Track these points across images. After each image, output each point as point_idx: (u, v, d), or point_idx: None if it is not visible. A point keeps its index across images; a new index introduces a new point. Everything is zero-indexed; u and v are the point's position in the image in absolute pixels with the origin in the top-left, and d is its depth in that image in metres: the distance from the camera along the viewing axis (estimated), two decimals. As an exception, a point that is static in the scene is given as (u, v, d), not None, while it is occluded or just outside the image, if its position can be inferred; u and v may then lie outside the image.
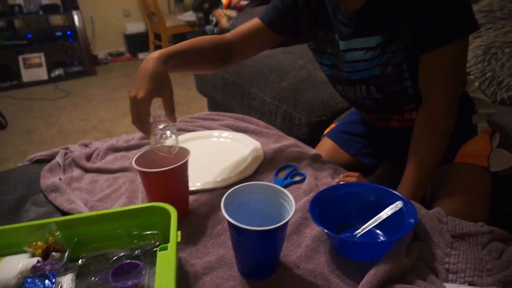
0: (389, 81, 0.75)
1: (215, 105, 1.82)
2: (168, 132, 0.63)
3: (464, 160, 0.75)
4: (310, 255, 0.56)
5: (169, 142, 0.63)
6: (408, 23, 0.67)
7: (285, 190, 0.53)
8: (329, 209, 0.60)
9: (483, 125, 0.81)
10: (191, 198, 0.70)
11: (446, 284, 0.49)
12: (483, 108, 0.83)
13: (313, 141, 1.14)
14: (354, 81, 0.80)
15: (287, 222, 0.48)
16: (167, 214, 0.52)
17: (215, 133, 0.95)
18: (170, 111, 0.62)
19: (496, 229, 0.58)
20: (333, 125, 1.09)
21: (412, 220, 0.53)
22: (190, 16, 3.47)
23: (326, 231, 0.53)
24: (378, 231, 0.60)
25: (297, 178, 0.76)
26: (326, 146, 1.02)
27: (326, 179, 0.76)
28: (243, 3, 2.43)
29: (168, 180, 0.59)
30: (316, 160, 0.83)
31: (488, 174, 0.74)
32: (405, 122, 0.85)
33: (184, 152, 0.62)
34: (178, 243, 0.48)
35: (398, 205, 0.57)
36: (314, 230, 0.61)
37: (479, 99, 0.84)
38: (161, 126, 0.62)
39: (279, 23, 0.82)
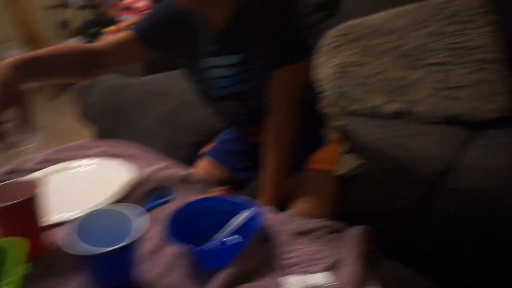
0: (252, 96, 0.83)
1: (101, 134, 1.77)
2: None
3: (313, 166, 0.84)
4: (170, 270, 0.59)
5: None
6: (262, 45, 0.76)
7: (139, 208, 0.55)
8: (188, 225, 0.63)
9: (334, 135, 0.92)
10: (52, 231, 0.67)
11: (284, 277, 0.56)
12: (335, 121, 0.95)
13: (195, 162, 1.17)
14: (222, 97, 0.86)
15: (130, 244, 0.50)
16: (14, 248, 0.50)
17: (85, 161, 0.93)
18: (25, 120, 0.59)
19: (334, 222, 0.67)
20: (209, 146, 1.14)
21: (257, 225, 0.59)
22: (76, 41, 3.31)
23: (176, 240, 0.56)
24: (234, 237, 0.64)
25: (167, 198, 0.78)
26: (205, 164, 1.06)
27: (196, 196, 0.79)
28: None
29: (13, 216, 0.57)
30: (188, 179, 0.86)
31: (334, 177, 0.84)
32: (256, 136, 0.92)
33: (32, 186, 0.60)
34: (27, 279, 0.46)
35: (249, 213, 0.63)
36: (175, 247, 0.63)
37: (331, 113, 0.96)
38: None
39: (153, 36, 0.83)
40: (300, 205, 0.78)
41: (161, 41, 0.84)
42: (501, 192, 0.73)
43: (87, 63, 0.80)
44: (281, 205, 0.80)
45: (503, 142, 0.96)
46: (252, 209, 0.63)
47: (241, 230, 0.62)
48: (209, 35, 0.78)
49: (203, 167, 1.05)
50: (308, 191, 0.80)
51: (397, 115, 1.18)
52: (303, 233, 0.65)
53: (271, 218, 0.66)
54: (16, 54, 0.64)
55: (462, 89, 1.08)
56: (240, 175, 1.03)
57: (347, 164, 0.87)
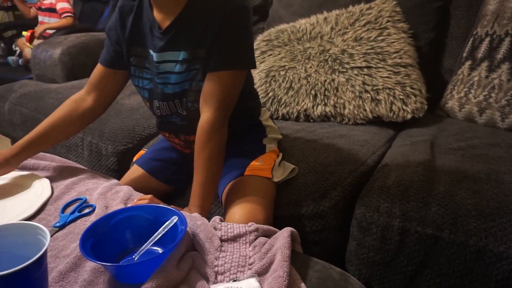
0: (192, 97, 0.83)
1: (19, 144, 1.61)
2: None
3: (251, 173, 0.84)
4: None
5: None
6: (204, 46, 0.77)
7: (40, 226, 0.49)
8: (107, 238, 0.59)
9: (271, 145, 0.94)
10: None
11: (212, 286, 0.54)
12: (273, 134, 0.97)
13: (122, 170, 1.11)
14: (167, 95, 0.85)
15: (36, 260, 0.45)
16: None
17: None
18: None
19: (262, 226, 0.67)
20: (142, 152, 1.09)
21: (181, 233, 0.57)
22: (-9, 45, 3.02)
23: (88, 257, 0.51)
24: (159, 250, 0.61)
25: (86, 211, 0.73)
26: (135, 173, 1.01)
27: (118, 207, 0.75)
28: (50, 32, 2.26)
29: None
30: (111, 188, 0.81)
31: (271, 184, 0.85)
32: None
33: None
34: None
35: (173, 220, 0.60)
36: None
37: (270, 126, 0.98)
38: None
39: (115, 60, 0.87)
40: (236, 210, 0.77)
41: (122, 57, 0.87)
42: (420, 184, 0.78)
43: (84, 120, 0.91)
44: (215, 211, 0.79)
45: (418, 140, 1.03)
46: (176, 217, 0.61)
47: (166, 239, 0.60)
48: (159, 30, 0.80)
49: (132, 176, 1.00)
50: (244, 196, 0.80)
51: (325, 118, 1.22)
52: (230, 239, 0.63)
53: (198, 225, 0.63)
54: None
55: (380, 92, 1.14)
56: (175, 186, 0.99)
57: (281, 172, 0.88)
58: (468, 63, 1.19)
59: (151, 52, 0.83)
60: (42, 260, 0.46)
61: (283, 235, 0.61)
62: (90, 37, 1.90)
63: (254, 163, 0.87)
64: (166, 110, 0.88)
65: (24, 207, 0.73)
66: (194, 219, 0.65)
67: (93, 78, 0.89)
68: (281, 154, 0.95)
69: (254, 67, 0.82)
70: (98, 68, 0.89)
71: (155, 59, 0.82)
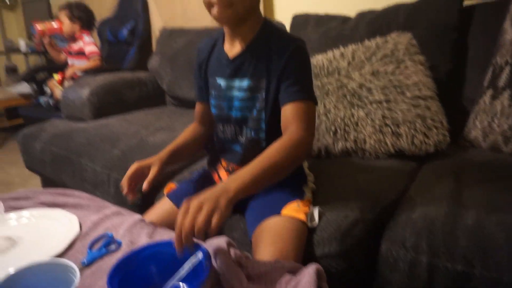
0: (252, 125, 0.91)
1: (48, 182, 1.67)
2: None
3: (287, 213, 0.84)
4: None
5: None
6: (268, 78, 0.87)
7: (70, 263, 0.51)
8: (134, 274, 0.60)
9: (309, 195, 0.94)
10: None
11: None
12: (311, 183, 0.98)
13: (146, 205, 1.13)
14: (231, 119, 0.94)
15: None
16: None
17: (25, 212, 0.87)
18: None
19: (288, 262, 0.66)
20: (172, 185, 1.10)
21: (206, 270, 0.57)
22: (24, 87, 3.20)
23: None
24: (184, 286, 0.62)
25: (113, 247, 0.74)
26: (164, 206, 1.01)
27: (143, 242, 0.76)
28: (79, 74, 2.38)
29: None
30: (136, 224, 0.83)
31: (304, 227, 0.84)
32: None
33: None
34: None
35: (198, 256, 0.61)
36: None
37: (310, 174, 1.00)
38: None
39: (206, 93, 1.01)
40: (267, 248, 0.77)
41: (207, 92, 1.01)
42: (447, 217, 0.77)
43: (202, 142, 1.08)
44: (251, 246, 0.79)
45: (442, 172, 1.02)
46: (202, 253, 0.61)
47: (191, 275, 0.60)
48: (227, 59, 0.92)
49: (162, 208, 1.01)
50: (280, 234, 0.80)
51: (346, 154, 1.22)
52: (257, 276, 0.63)
53: (223, 260, 0.64)
54: None
55: (401, 126, 1.14)
56: None
57: (315, 218, 0.87)
58: (489, 92, 1.18)
59: (220, 79, 0.94)
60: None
61: (309, 272, 0.61)
62: (116, 78, 1.99)
63: (291, 205, 0.87)
64: (228, 134, 0.96)
65: (54, 244, 0.75)
66: (222, 254, 0.65)
67: (197, 114, 1.07)
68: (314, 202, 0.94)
69: (317, 103, 0.89)
70: (197, 105, 1.07)
71: (223, 86, 0.93)
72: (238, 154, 0.96)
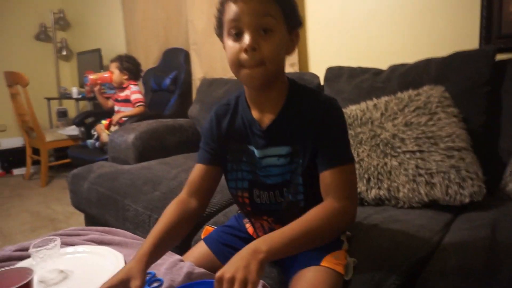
0: (291, 189, 0.89)
1: (91, 220, 1.77)
2: None
3: (327, 264, 0.86)
4: None
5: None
6: (303, 142, 0.85)
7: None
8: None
9: (346, 244, 0.96)
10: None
11: None
12: (348, 230, 1.00)
13: (183, 247, 1.18)
14: (269, 186, 0.91)
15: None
16: None
17: (71, 249, 0.95)
18: None
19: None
20: (209, 229, 1.14)
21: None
22: (72, 130, 3.44)
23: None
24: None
25: (155, 285, 0.79)
26: (200, 249, 1.05)
27: (182, 281, 0.80)
28: (124, 119, 2.56)
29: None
30: (176, 264, 0.88)
31: (341, 279, 0.86)
32: None
33: (25, 273, 0.62)
34: None
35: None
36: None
37: None
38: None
39: (213, 157, 0.95)
40: None
41: (219, 154, 0.95)
42: (483, 269, 0.76)
43: (191, 222, 0.93)
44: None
45: (478, 224, 1.01)
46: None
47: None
48: (259, 129, 0.89)
49: (198, 251, 1.04)
50: (317, 284, 0.82)
51: (379, 201, 1.24)
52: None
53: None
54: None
55: (435, 176, 1.16)
56: None
57: (351, 269, 0.89)
58: (525, 145, 1.18)
59: (253, 148, 0.91)
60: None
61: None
62: (159, 124, 2.13)
63: (330, 257, 0.88)
64: (266, 199, 0.93)
65: (102, 279, 0.80)
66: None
67: (193, 178, 0.95)
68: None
69: (354, 161, 0.88)
70: (197, 168, 0.96)
71: (257, 155, 0.90)
72: (277, 213, 0.94)
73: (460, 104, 1.35)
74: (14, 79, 3.22)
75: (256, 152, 0.90)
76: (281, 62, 0.86)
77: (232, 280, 0.64)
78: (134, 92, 2.73)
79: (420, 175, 1.18)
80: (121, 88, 2.78)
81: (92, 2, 3.91)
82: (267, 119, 0.88)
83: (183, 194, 0.95)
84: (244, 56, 0.79)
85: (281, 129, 0.87)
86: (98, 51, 3.64)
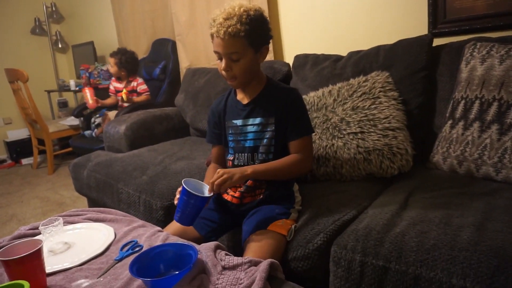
0: (263, 150, 1.22)
1: (93, 202, 2.03)
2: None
3: (273, 228, 1.11)
4: (133, 298, 0.83)
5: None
6: (276, 117, 1.21)
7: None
8: (147, 265, 0.89)
9: (294, 215, 1.21)
10: (54, 278, 0.92)
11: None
12: (298, 206, 1.25)
13: (168, 221, 1.43)
14: (245, 148, 1.25)
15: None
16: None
17: (72, 226, 1.20)
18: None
19: (254, 259, 0.93)
20: None
21: (194, 260, 0.85)
22: (73, 120, 3.68)
23: (134, 275, 0.81)
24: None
25: (137, 249, 1.04)
26: (177, 224, 1.31)
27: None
28: (125, 104, 2.84)
29: (23, 265, 0.83)
30: (154, 234, 1.12)
31: (284, 240, 1.11)
32: (255, 196, 1.23)
33: (37, 243, 0.87)
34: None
35: (191, 252, 0.89)
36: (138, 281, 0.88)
37: (298, 197, 1.28)
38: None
39: (219, 137, 1.34)
40: (252, 253, 1.04)
41: (220, 135, 1.33)
42: (383, 227, 1.00)
43: None
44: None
45: (400, 191, 1.24)
46: (194, 250, 0.89)
47: (182, 263, 0.88)
48: (241, 105, 1.27)
49: (177, 226, 1.29)
50: (261, 244, 1.07)
51: (327, 176, 1.47)
52: (231, 267, 0.90)
53: (208, 255, 0.91)
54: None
55: (371, 153, 1.38)
56: (205, 235, 1.27)
57: (292, 232, 1.13)
58: (449, 122, 1.40)
59: (236, 120, 1.27)
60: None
61: (264, 264, 0.87)
62: (147, 114, 2.36)
63: (277, 223, 1.14)
64: (242, 161, 1.25)
65: (97, 247, 1.06)
66: (207, 251, 0.93)
67: (215, 156, 1.37)
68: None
69: (314, 131, 1.30)
70: (214, 149, 1.37)
71: (239, 124, 1.26)
72: None
73: (401, 88, 1.55)
74: (14, 76, 3.43)
75: (238, 122, 1.26)
76: (253, 73, 1.21)
77: (221, 175, 1.07)
78: (140, 84, 2.99)
79: (359, 153, 1.40)
80: (129, 81, 3.01)
81: (82, -5, 4.06)
82: (246, 100, 1.26)
83: (213, 163, 1.37)
84: (223, 72, 1.19)
85: (256, 106, 1.24)
86: (91, 43, 3.82)
